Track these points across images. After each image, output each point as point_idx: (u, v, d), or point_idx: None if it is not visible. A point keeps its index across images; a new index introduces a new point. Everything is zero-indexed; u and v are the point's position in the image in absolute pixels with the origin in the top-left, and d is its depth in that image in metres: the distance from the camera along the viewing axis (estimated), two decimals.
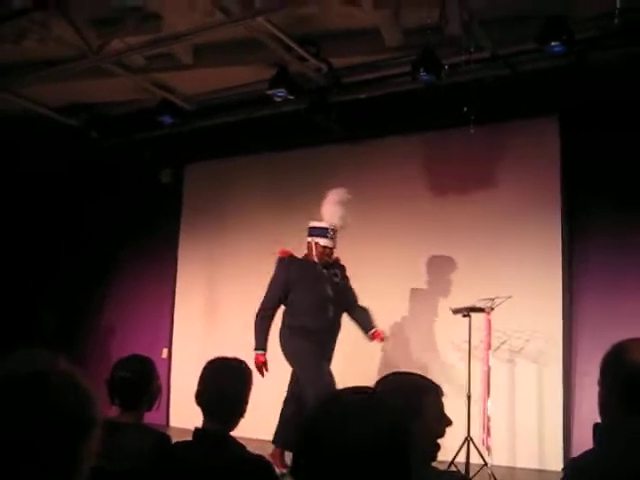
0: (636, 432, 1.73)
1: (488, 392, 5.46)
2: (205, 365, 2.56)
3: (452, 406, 5.53)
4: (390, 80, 6.37)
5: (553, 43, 5.19)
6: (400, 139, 6.98)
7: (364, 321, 5.72)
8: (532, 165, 6.34)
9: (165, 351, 8.06)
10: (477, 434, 5.37)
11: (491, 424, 5.44)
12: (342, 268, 5.86)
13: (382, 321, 6.64)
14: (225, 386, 2.49)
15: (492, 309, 5.48)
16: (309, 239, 5.77)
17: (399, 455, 1.17)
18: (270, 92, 6.23)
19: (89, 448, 1.20)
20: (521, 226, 6.23)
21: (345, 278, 5.85)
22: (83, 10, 5.63)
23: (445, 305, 5.64)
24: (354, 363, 6.75)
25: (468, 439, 5.25)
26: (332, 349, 5.61)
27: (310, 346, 5.41)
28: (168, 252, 8.31)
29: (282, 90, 6.18)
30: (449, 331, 6.02)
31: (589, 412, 5.52)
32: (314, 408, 1.24)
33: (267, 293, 5.68)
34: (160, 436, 2.77)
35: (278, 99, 6.31)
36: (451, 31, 5.42)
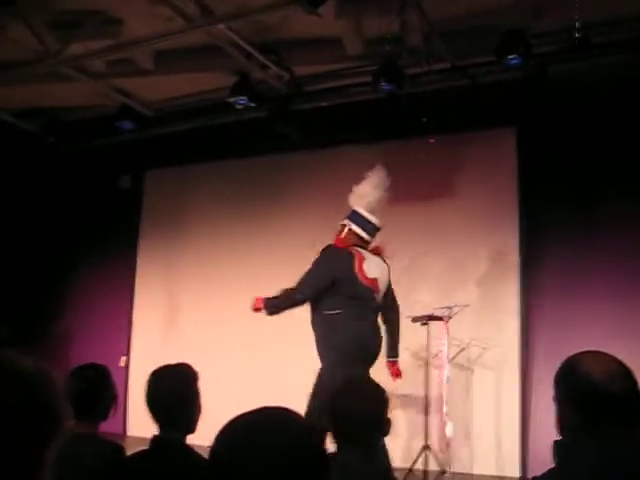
0: (600, 458, 1.70)
1: (445, 400, 5.50)
2: (149, 376, 2.53)
3: (411, 414, 5.58)
4: (351, 89, 6.41)
5: (510, 56, 5.29)
6: (360, 148, 7.01)
7: None
8: (490, 175, 6.44)
9: (123, 359, 7.95)
10: (435, 442, 5.41)
11: (449, 432, 5.48)
12: None
13: None
14: (172, 392, 2.47)
15: (450, 317, 5.53)
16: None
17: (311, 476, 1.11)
18: (231, 99, 6.22)
19: (54, 448, 1.18)
20: (479, 235, 6.31)
21: None
22: (41, 13, 5.55)
23: (405, 313, 5.65)
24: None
25: (426, 447, 5.28)
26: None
27: None
28: (127, 259, 8.22)
29: (243, 98, 6.17)
30: (408, 339, 6.04)
31: (546, 418, 5.62)
32: (224, 427, 1.16)
33: None
34: (113, 447, 2.73)
35: (239, 107, 6.29)
36: (411, 42, 5.48)
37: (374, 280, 4.73)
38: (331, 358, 4.52)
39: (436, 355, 5.66)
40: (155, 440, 2.42)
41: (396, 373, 4.86)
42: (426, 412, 5.38)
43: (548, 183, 6.23)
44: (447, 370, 5.55)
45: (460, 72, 5.88)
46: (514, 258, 6.22)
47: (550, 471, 1.83)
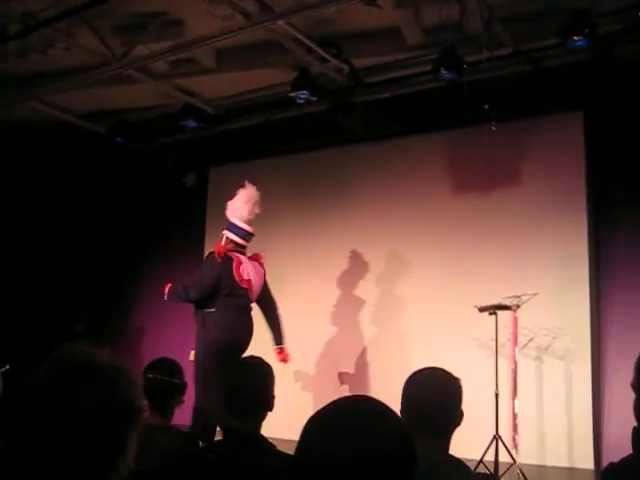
0: None
1: (515, 390, 5.43)
2: (225, 369, 2.60)
3: (480, 404, 5.54)
4: (411, 79, 6.36)
5: (575, 37, 5.15)
6: (422, 138, 6.97)
7: None
8: (556, 162, 6.29)
9: (193, 353, 8.09)
10: (505, 432, 5.34)
11: (519, 422, 5.41)
12: None
13: (408, 321, 6.66)
14: (247, 385, 2.52)
15: (518, 306, 5.45)
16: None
17: (403, 469, 1.08)
18: (293, 94, 6.26)
19: (134, 437, 1.23)
20: (546, 223, 6.19)
21: None
22: (106, 18, 5.70)
23: (471, 303, 5.60)
24: (375, 359, 6.79)
25: (496, 437, 5.22)
26: None
27: None
28: (194, 255, 8.35)
29: (304, 92, 6.21)
30: (475, 329, 5.99)
31: (619, 409, 5.50)
32: (311, 419, 1.12)
33: None
34: (187, 437, 2.80)
35: (300, 101, 6.33)
36: (471, 29, 5.41)
37: (248, 280, 5.61)
38: (205, 351, 5.40)
39: (504, 345, 5.59)
40: (229, 431, 2.47)
41: (283, 358, 5.73)
42: (496, 402, 5.31)
43: (618, 169, 6.05)
44: (516, 360, 5.48)
45: (523, 57, 5.77)
46: (583, 246, 6.08)
47: (629, 457, 1.79)
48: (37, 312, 8.18)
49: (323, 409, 1.12)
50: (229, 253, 5.59)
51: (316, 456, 1.04)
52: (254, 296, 5.70)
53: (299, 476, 1.06)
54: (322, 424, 1.10)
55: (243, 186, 5.81)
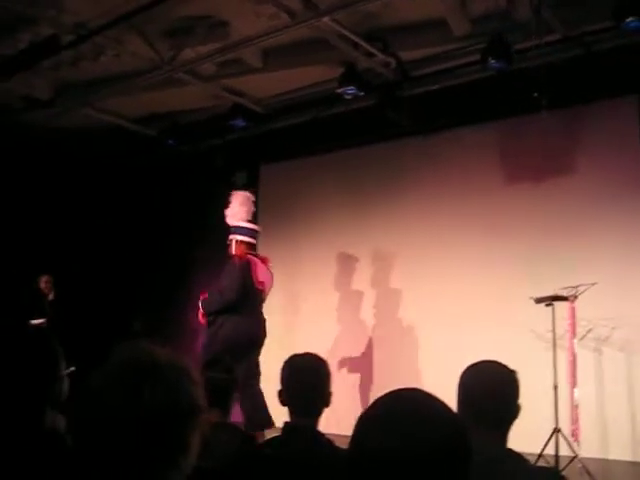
0: None
1: (575, 381, 5.33)
2: (283, 365, 2.60)
3: (538, 397, 5.44)
4: (459, 70, 6.29)
5: (629, 19, 5.00)
6: (472, 129, 6.88)
7: None
8: (611, 149, 6.14)
9: None
10: (565, 425, 5.25)
11: (580, 414, 5.31)
12: None
13: (463, 314, 6.60)
14: (305, 381, 2.52)
15: (576, 297, 5.34)
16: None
17: (457, 464, 1.06)
18: (340, 90, 6.25)
19: (196, 435, 1.26)
20: (603, 211, 6.05)
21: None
22: (154, 23, 5.79)
23: (527, 294, 5.51)
24: (431, 352, 6.75)
25: (557, 430, 5.13)
26: None
27: None
28: None
29: (352, 87, 6.19)
30: (532, 321, 5.90)
31: None
32: (364, 414, 1.11)
33: None
34: (245, 434, 2.83)
35: (348, 97, 6.32)
36: (519, 15, 5.32)
37: (262, 282, 5.87)
38: (216, 349, 5.42)
39: (562, 336, 5.49)
40: (288, 427, 2.48)
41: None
42: (555, 395, 5.22)
43: None
44: (575, 351, 5.38)
45: (574, 42, 5.64)
46: None
47: None
48: (96, 312, 8.38)
49: (375, 403, 1.12)
50: (246, 257, 5.84)
51: (368, 452, 1.04)
52: (266, 296, 5.97)
53: (354, 472, 1.06)
54: (374, 419, 1.09)
55: (230, 194, 6.17)
